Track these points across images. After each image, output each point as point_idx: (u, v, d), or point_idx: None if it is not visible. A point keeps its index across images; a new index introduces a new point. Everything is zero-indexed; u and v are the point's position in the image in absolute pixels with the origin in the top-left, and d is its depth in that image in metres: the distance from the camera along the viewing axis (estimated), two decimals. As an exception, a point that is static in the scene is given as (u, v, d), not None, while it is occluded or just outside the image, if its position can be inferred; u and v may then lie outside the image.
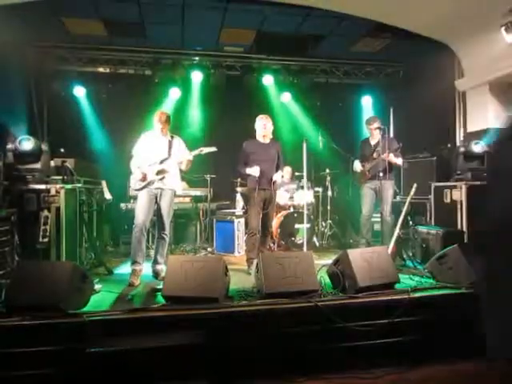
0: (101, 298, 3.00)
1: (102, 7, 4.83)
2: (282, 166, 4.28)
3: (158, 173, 3.63)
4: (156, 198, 3.68)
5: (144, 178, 3.60)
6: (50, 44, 5.77)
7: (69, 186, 3.75)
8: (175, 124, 3.89)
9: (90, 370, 2.33)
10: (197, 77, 6.41)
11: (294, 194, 5.61)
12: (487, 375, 2.60)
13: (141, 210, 3.59)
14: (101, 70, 6.27)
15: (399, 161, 4.48)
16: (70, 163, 4.12)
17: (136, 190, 3.68)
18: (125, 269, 4.16)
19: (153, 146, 3.72)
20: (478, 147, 4.55)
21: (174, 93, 6.52)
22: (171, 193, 3.73)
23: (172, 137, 3.82)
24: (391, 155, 4.29)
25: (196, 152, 3.73)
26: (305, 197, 4.97)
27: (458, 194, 4.33)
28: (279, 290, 2.82)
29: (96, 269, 4.12)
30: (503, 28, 3.90)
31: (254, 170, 4.00)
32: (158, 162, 3.66)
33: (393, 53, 6.16)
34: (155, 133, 3.77)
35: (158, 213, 3.72)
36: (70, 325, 2.41)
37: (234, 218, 5.26)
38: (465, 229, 4.21)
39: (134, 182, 3.68)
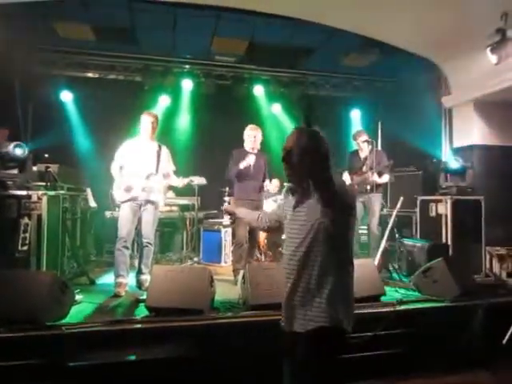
0: (81, 309, 2.91)
1: (93, 12, 4.78)
2: (265, 178, 4.27)
3: (144, 190, 3.53)
4: (140, 208, 3.59)
5: (129, 190, 3.49)
6: (38, 47, 5.67)
7: (51, 193, 3.64)
8: (164, 131, 3.84)
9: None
10: (187, 85, 6.40)
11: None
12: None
13: (124, 224, 3.50)
14: (89, 75, 6.19)
15: (385, 179, 4.51)
16: (53, 169, 4.02)
17: (121, 202, 3.56)
18: (108, 278, 4.06)
19: (140, 155, 3.59)
20: (455, 164, 4.65)
21: (164, 100, 6.49)
22: (155, 205, 3.65)
23: (160, 146, 3.71)
24: (375, 176, 4.32)
25: (186, 181, 3.82)
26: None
27: (443, 207, 4.39)
28: (265, 301, 2.78)
29: (78, 278, 4.00)
30: (489, 49, 3.97)
31: (247, 160, 3.94)
32: (145, 176, 3.55)
33: (381, 68, 6.28)
34: (142, 138, 3.65)
35: (141, 223, 3.63)
36: (48, 337, 2.32)
37: (221, 227, 5.21)
38: (449, 242, 4.26)
39: (118, 194, 3.56)
